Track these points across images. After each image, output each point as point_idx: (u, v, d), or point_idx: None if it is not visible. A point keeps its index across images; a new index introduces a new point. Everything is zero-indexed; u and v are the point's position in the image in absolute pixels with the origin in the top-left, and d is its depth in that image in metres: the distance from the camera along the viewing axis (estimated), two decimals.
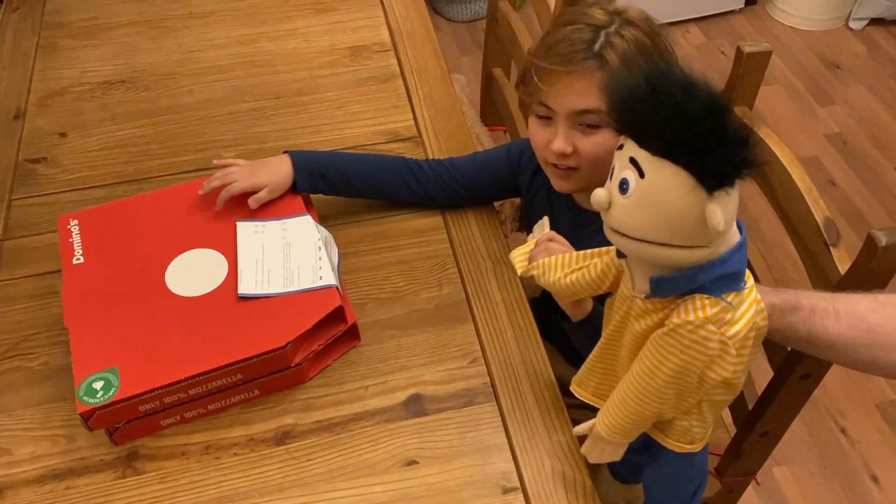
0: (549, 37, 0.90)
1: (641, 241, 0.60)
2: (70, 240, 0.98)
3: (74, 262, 0.96)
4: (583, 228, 0.94)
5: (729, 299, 0.62)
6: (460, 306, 1.00)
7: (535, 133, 0.92)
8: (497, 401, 0.91)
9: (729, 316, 0.62)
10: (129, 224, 1.01)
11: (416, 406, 0.90)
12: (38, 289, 1.03)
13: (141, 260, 0.96)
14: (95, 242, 0.98)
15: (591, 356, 0.78)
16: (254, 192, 1.00)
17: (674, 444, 0.74)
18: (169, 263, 0.96)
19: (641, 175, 0.58)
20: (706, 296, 0.62)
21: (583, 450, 0.79)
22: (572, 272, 0.78)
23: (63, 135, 1.24)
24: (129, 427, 0.87)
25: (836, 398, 1.70)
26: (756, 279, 0.70)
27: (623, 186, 0.59)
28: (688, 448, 0.74)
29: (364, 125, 1.24)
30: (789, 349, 0.89)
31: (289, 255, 0.95)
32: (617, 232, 0.61)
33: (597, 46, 0.85)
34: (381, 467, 0.85)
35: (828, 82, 2.45)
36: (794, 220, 0.90)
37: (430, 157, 1.16)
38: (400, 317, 0.99)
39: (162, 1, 1.48)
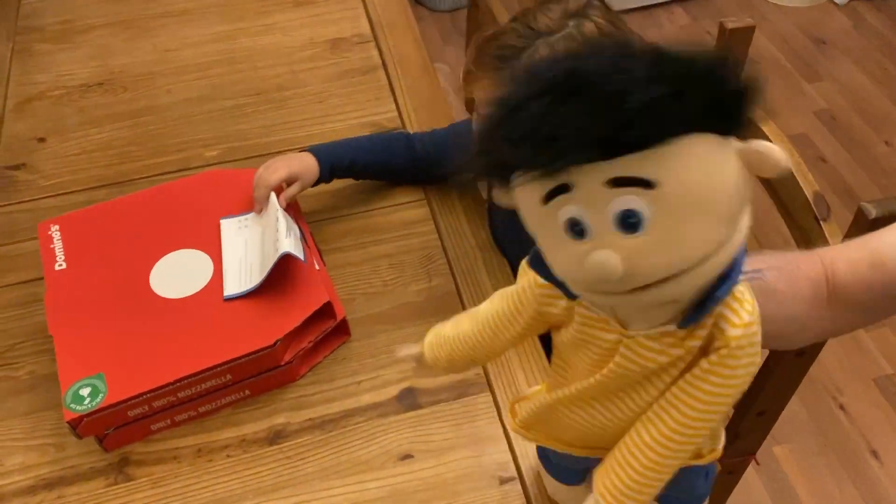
0: (489, 31, 0.82)
1: (672, 278, 0.41)
2: (51, 246, 0.97)
3: (57, 268, 0.94)
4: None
5: (742, 285, 0.48)
6: (450, 298, 0.99)
7: (474, 122, 0.90)
8: (491, 391, 0.90)
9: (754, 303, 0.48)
10: (112, 228, 0.99)
11: (409, 400, 0.89)
12: (21, 297, 1.01)
13: (124, 263, 0.95)
14: (77, 248, 0.97)
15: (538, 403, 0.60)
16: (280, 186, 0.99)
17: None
18: (153, 266, 0.94)
19: (651, 186, 0.39)
20: (728, 297, 0.47)
21: None
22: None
23: (42, 140, 1.22)
24: (118, 433, 0.85)
25: (834, 375, 1.70)
26: None
27: (628, 221, 0.39)
28: (697, 461, 0.59)
29: (346, 118, 1.22)
30: None
31: (265, 241, 0.94)
32: (635, 290, 0.41)
33: (522, 56, 0.77)
34: (376, 463, 0.84)
35: (814, 58, 2.44)
36: (784, 196, 0.89)
37: None
38: (389, 311, 0.98)
39: (136, 1, 1.46)
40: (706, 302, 0.44)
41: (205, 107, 1.25)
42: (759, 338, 0.48)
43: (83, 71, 1.33)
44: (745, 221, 0.43)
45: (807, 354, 0.90)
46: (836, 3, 2.61)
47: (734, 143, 0.41)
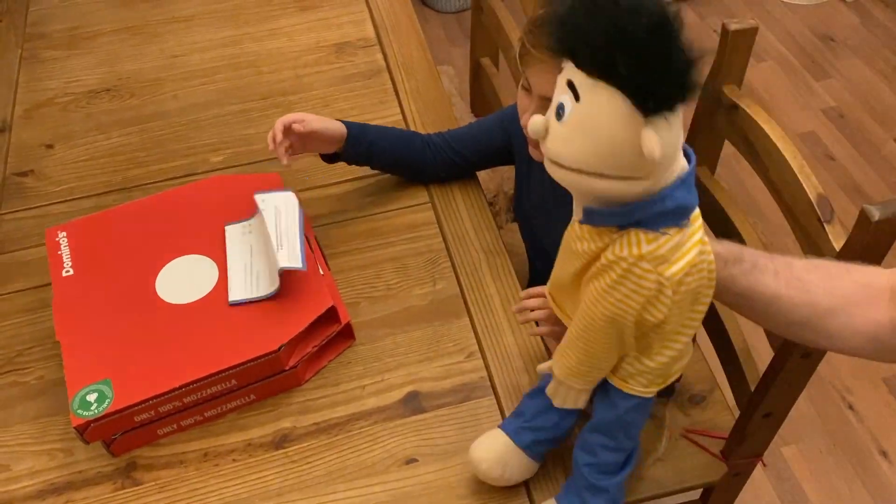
0: (544, 10, 0.85)
1: (577, 171, 0.57)
2: (59, 252, 0.98)
3: (64, 274, 0.95)
4: (562, 206, 0.92)
5: (669, 233, 0.58)
6: (455, 301, 0.99)
7: (519, 99, 0.91)
8: (495, 394, 0.90)
9: (666, 253, 0.59)
10: (118, 233, 1.00)
11: (413, 403, 0.90)
12: (30, 303, 1.02)
13: (131, 269, 0.95)
14: (84, 253, 0.97)
15: (550, 279, 0.75)
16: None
17: (614, 379, 0.71)
18: (159, 271, 0.95)
19: (577, 98, 0.55)
20: (643, 230, 0.58)
21: (548, 391, 0.76)
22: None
23: (50, 146, 1.23)
24: (125, 438, 0.86)
25: (843, 374, 1.69)
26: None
27: (559, 112, 0.57)
28: (625, 387, 0.70)
29: None
30: None
31: (269, 244, 0.94)
32: (554, 163, 0.58)
33: None
34: (381, 467, 0.85)
35: (822, 56, 2.43)
36: (788, 198, 0.89)
37: None
38: (394, 314, 0.98)
39: (143, 7, 1.47)
40: (594, 214, 0.60)
41: (211, 112, 1.26)
42: (640, 279, 0.59)
43: (91, 77, 1.34)
44: (645, 185, 0.56)
45: (812, 356, 0.89)
46: (843, 0, 2.60)
47: (633, 116, 0.53)
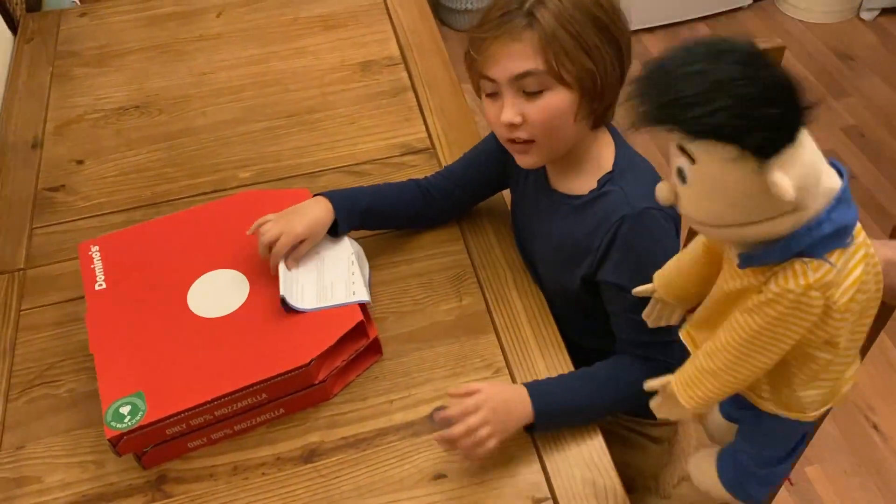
0: (486, 6, 0.84)
1: (722, 226, 0.56)
2: (92, 266, 0.99)
3: (97, 287, 0.97)
4: (556, 211, 0.93)
5: (832, 259, 0.56)
6: (481, 317, 0.99)
7: (488, 112, 0.87)
8: None
9: (833, 278, 0.56)
10: (150, 248, 1.01)
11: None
12: (62, 316, 1.03)
13: (163, 283, 0.97)
14: (117, 267, 0.99)
15: (698, 311, 0.71)
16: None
17: (783, 412, 0.68)
18: (190, 285, 0.96)
19: (692, 161, 0.54)
20: (807, 259, 0.56)
21: (652, 405, 0.72)
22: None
23: (80, 162, 1.25)
24: (157, 451, 0.87)
25: (867, 394, 1.67)
26: None
27: (680, 175, 0.56)
28: (795, 416, 0.67)
29: (377, 139, 1.24)
30: None
31: (322, 271, 0.96)
32: (697, 222, 0.57)
33: (527, 5, 0.79)
34: (410, 482, 0.85)
35: (841, 74, 2.43)
36: None
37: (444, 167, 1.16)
38: (421, 329, 0.98)
39: (172, 25, 1.49)
40: (752, 258, 0.57)
41: (239, 129, 1.28)
42: (808, 308, 0.57)
43: (120, 94, 1.36)
44: (795, 217, 0.54)
45: None
46: (862, 19, 2.60)
47: (753, 164, 0.51)
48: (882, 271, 0.63)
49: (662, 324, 0.76)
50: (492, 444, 0.81)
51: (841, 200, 0.56)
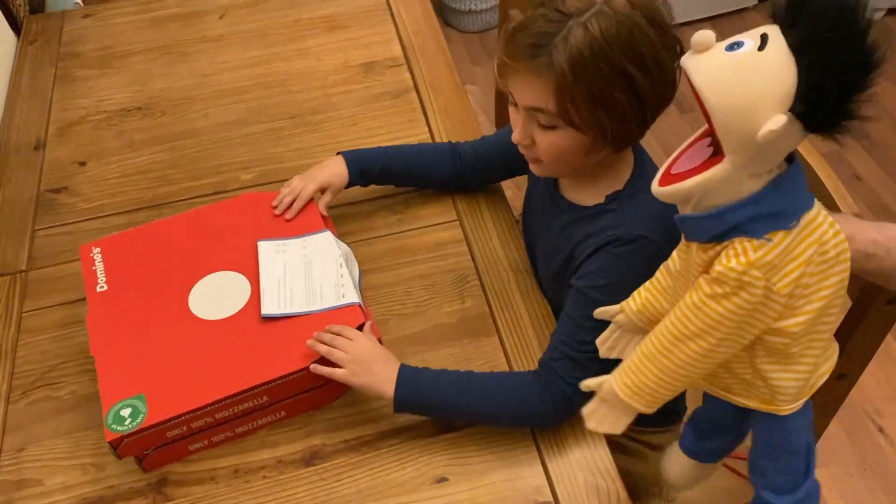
0: (518, 21, 0.81)
1: (703, 97, 0.56)
2: (93, 268, 0.99)
3: (98, 289, 0.96)
4: (559, 217, 0.93)
5: (776, 239, 0.58)
6: (484, 319, 0.99)
7: (510, 115, 0.87)
8: None
9: (775, 259, 0.58)
10: (151, 250, 1.01)
11: (444, 422, 0.89)
12: (63, 318, 1.03)
13: (164, 285, 0.96)
14: (118, 269, 0.98)
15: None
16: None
17: (757, 405, 0.68)
18: (192, 287, 0.96)
19: (761, 48, 0.55)
20: (747, 238, 0.58)
21: (583, 412, 0.71)
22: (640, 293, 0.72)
23: (82, 164, 1.25)
24: (157, 453, 0.86)
25: (873, 397, 1.66)
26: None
27: (734, 45, 0.55)
28: (770, 409, 0.68)
29: (380, 141, 1.23)
30: None
31: (310, 274, 0.95)
32: (696, 81, 0.57)
33: (557, 39, 0.75)
34: (411, 485, 0.85)
35: None
36: None
37: None
38: (423, 332, 0.98)
39: (174, 27, 1.49)
40: (685, 227, 0.61)
41: (241, 130, 1.27)
42: (751, 288, 0.58)
43: (122, 96, 1.36)
44: (755, 182, 0.57)
45: (847, 377, 0.88)
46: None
47: (792, 119, 0.54)
48: (869, 253, 0.64)
49: (613, 356, 0.75)
50: (339, 373, 0.85)
51: (778, 187, 0.58)
